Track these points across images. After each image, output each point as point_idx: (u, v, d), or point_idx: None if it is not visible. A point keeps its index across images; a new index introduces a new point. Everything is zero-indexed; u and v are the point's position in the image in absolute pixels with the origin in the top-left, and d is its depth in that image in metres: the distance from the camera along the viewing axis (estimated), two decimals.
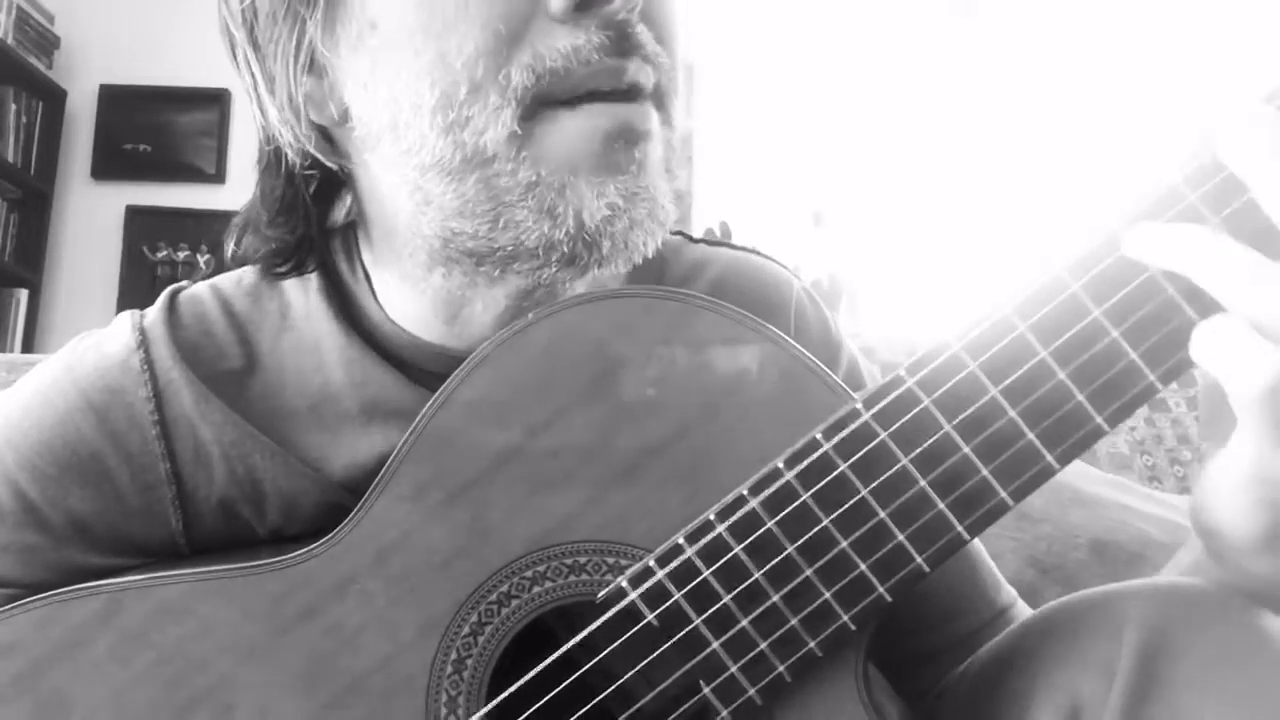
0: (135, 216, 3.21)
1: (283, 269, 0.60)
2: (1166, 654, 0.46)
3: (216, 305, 0.60)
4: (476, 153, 0.48)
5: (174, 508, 0.56)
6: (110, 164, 3.25)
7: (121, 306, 3.10)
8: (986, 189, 3.08)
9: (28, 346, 3.07)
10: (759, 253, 0.70)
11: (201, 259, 3.22)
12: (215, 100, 3.25)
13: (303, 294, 0.60)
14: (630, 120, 0.50)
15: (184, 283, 0.63)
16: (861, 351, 0.71)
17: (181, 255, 3.22)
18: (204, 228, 3.22)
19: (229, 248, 0.63)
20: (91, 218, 3.23)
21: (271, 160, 0.57)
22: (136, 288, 3.17)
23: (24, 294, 3.09)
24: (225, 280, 0.62)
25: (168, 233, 3.21)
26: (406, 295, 0.59)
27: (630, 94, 0.50)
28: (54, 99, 3.19)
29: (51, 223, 3.21)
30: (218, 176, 3.26)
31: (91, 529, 0.55)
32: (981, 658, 0.58)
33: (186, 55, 3.24)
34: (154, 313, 0.59)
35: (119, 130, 3.25)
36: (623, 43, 0.49)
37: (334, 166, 0.56)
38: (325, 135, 0.55)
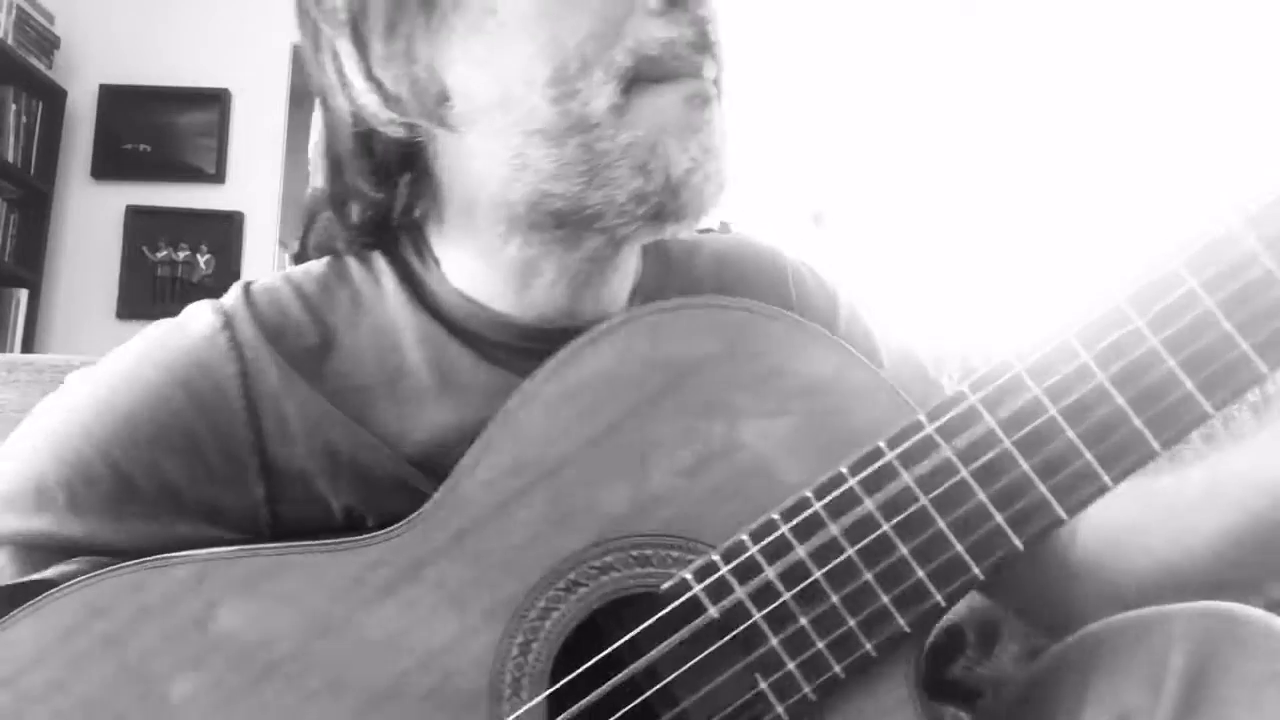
0: (135, 216, 3.21)
1: (368, 244, 0.65)
2: (1214, 672, 0.47)
3: (291, 290, 0.64)
4: (581, 119, 0.55)
5: (258, 478, 0.59)
6: (110, 164, 3.24)
7: (121, 306, 3.13)
8: (987, 189, 3.10)
9: (28, 346, 3.07)
10: (743, 238, 0.76)
11: (201, 259, 3.22)
12: (215, 100, 3.25)
13: (373, 282, 0.64)
14: (703, 89, 0.58)
15: (249, 279, 0.66)
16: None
17: (181, 255, 3.21)
18: (204, 228, 3.22)
19: (294, 245, 0.68)
20: (91, 218, 3.22)
21: (359, 144, 0.62)
22: (136, 288, 3.18)
23: (24, 294, 3.08)
24: (295, 271, 0.66)
25: (168, 233, 3.21)
26: (479, 269, 0.63)
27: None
28: (54, 99, 3.19)
29: (51, 223, 3.20)
30: (218, 176, 3.25)
31: (181, 497, 0.58)
32: (1030, 671, 0.60)
33: (186, 55, 3.25)
34: (232, 298, 0.63)
35: (119, 130, 3.24)
36: (703, 39, 0.57)
37: (426, 139, 0.61)
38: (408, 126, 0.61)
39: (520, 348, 0.61)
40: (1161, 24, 3.08)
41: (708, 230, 0.75)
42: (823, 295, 0.73)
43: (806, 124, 3.13)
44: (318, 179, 0.65)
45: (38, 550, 0.56)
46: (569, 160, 0.56)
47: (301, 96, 3.26)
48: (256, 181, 3.25)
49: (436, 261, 0.65)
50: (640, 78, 0.55)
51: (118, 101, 3.25)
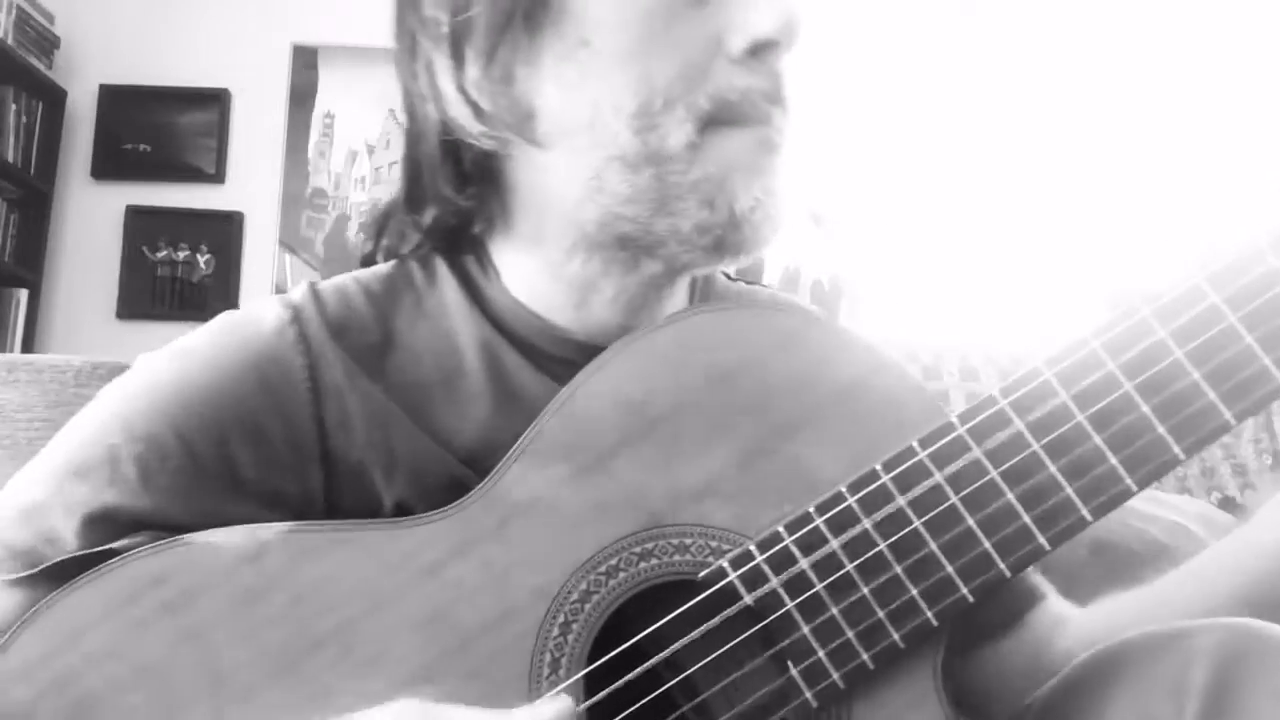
0: (135, 216, 3.21)
1: (439, 246, 0.68)
2: (1236, 685, 0.49)
3: (356, 290, 0.66)
4: (658, 152, 0.59)
5: (318, 467, 0.61)
6: (110, 164, 3.24)
7: (121, 306, 3.14)
8: (987, 189, 3.12)
9: (28, 346, 3.07)
10: (782, 294, 0.80)
11: (201, 259, 3.22)
12: (215, 100, 3.25)
13: (436, 288, 0.67)
14: (771, 136, 0.61)
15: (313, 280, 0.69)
16: None
17: (181, 255, 3.21)
18: (204, 228, 3.22)
19: (366, 250, 0.72)
20: (91, 218, 3.22)
21: (443, 151, 0.65)
22: (136, 288, 3.18)
23: (24, 294, 3.08)
24: (361, 273, 0.69)
25: (168, 233, 3.21)
26: (540, 282, 0.66)
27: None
28: (54, 99, 3.19)
29: (51, 223, 3.20)
30: (218, 176, 3.25)
31: (245, 480, 0.60)
32: (1051, 685, 0.61)
33: (186, 55, 3.25)
34: (300, 293, 0.65)
35: (119, 130, 3.24)
36: (776, 94, 0.61)
37: (508, 153, 0.64)
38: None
39: (573, 361, 0.63)
40: (1162, 23, 3.10)
41: (754, 283, 0.79)
42: None
43: (806, 124, 3.14)
44: (381, 187, 0.69)
45: (106, 522, 0.58)
46: (642, 188, 0.60)
47: (302, 96, 3.27)
48: (256, 181, 3.25)
49: (497, 272, 0.67)
50: (716, 120, 0.59)
51: (118, 101, 3.25)
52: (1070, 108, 3.12)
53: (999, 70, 3.14)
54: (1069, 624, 0.71)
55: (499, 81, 0.61)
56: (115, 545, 0.56)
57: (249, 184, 3.25)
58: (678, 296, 0.69)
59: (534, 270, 0.66)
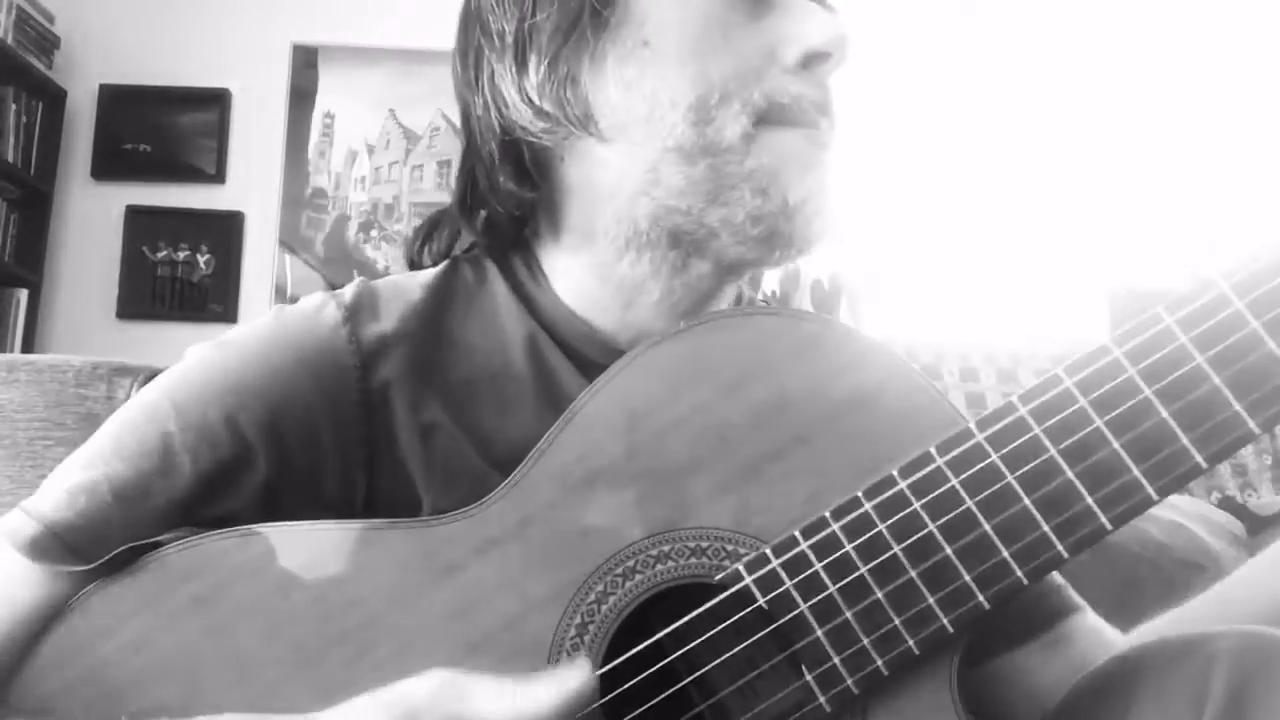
0: (135, 216, 3.21)
1: (492, 246, 0.71)
2: (1256, 691, 0.49)
3: (407, 290, 0.67)
4: (714, 144, 0.61)
5: (362, 469, 0.62)
6: (110, 164, 3.24)
7: (121, 306, 3.14)
8: (988, 188, 3.12)
9: (28, 346, 3.06)
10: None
11: (201, 259, 3.22)
12: (215, 100, 3.25)
13: (486, 288, 0.69)
14: (821, 140, 0.64)
15: (364, 278, 0.69)
16: None
17: (181, 255, 3.21)
18: (204, 228, 3.22)
19: (413, 252, 0.74)
20: (91, 218, 3.22)
21: (503, 150, 0.67)
22: (136, 288, 3.18)
23: (24, 294, 3.08)
24: (412, 274, 0.70)
25: (168, 233, 3.21)
26: (588, 284, 0.67)
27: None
28: (54, 99, 3.18)
29: (51, 223, 3.20)
30: (218, 176, 3.25)
31: (292, 475, 0.61)
32: (1069, 692, 0.61)
33: (186, 55, 3.25)
34: (352, 292, 0.66)
35: (119, 130, 3.24)
36: (825, 104, 0.64)
37: (562, 154, 0.66)
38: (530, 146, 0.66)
39: None
40: (1162, 22, 3.10)
41: (768, 303, 0.81)
42: None
43: None
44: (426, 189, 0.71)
45: (154, 509, 0.59)
46: (697, 179, 0.62)
47: (302, 96, 3.27)
48: (256, 181, 3.24)
49: (545, 276, 0.69)
50: (769, 119, 0.62)
51: (118, 101, 3.25)
52: (1071, 107, 3.12)
53: (999, 69, 3.14)
54: (1115, 646, 0.70)
55: (561, 82, 0.63)
56: (161, 539, 0.57)
57: (249, 184, 3.25)
58: (723, 305, 0.70)
59: (582, 273, 0.68)
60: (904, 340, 2.35)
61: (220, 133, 3.25)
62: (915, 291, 3.06)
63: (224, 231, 3.23)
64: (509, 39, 0.64)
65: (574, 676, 0.50)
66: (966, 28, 3.17)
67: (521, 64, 0.64)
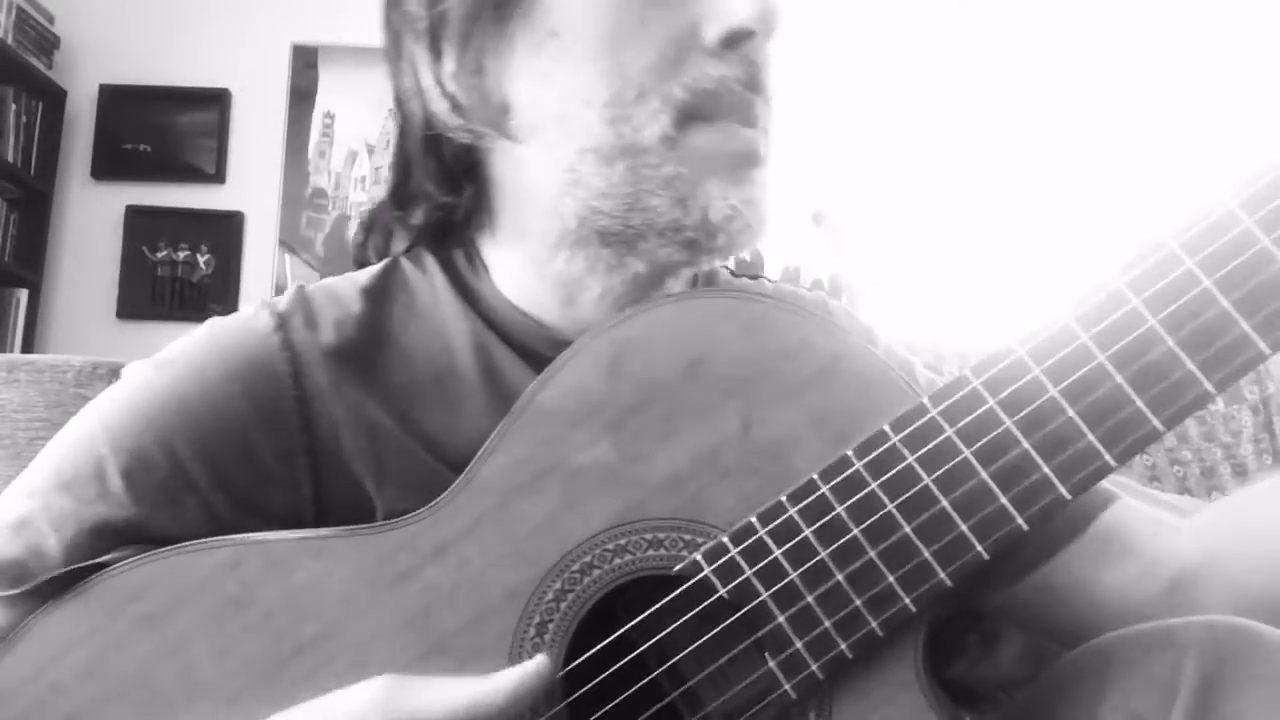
0: (135, 216, 3.21)
1: (428, 244, 0.68)
2: (1225, 681, 0.48)
3: (345, 293, 0.65)
4: (632, 144, 0.58)
5: (308, 477, 0.61)
6: (110, 164, 3.25)
7: (121, 306, 3.14)
8: (988, 187, 3.11)
9: (28, 346, 3.07)
10: (792, 286, 0.79)
11: (201, 259, 3.22)
12: (215, 100, 3.25)
13: (427, 286, 0.67)
14: (754, 145, 0.60)
15: (302, 283, 0.68)
16: None
17: (181, 255, 3.21)
18: (204, 228, 3.22)
19: (358, 248, 0.72)
20: (91, 218, 3.23)
21: (426, 146, 0.65)
22: (136, 288, 3.18)
23: (24, 294, 3.09)
24: (351, 275, 0.68)
25: (168, 233, 3.21)
26: (527, 279, 0.65)
27: (755, 125, 0.60)
28: (54, 99, 3.19)
29: (51, 223, 3.21)
30: (218, 176, 3.25)
31: (233, 490, 0.60)
32: (1042, 678, 0.61)
33: (186, 55, 3.26)
34: (286, 299, 0.64)
35: (119, 130, 3.25)
36: (755, 81, 0.59)
37: (488, 146, 0.64)
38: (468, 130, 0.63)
39: None
40: (1159, 17, 3.09)
41: (758, 277, 0.78)
42: (861, 334, 0.75)
43: (806, 124, 3.14)
44: (376, 187, 0.69)
45: (95, 535, 0.58)
46: (616, 181, 0.59)
47: (302, 96, 3.27)
48: (256, 181, 3.25)
49: (487, 269, 0.67)
50: (694, 115, 0.58)
51: (118, 101, 3.26)
52: (1072, 106, 3.11)
53: (1000, 68, 3.13)
54: (1166, 523, 0.67)
55: (474, 74, 0.60)
56: (104, 559, 0.56)
57: (249, 184, 3.25)
58: (676, 289, 0.67)
59: (520, 268, 0.66)
60: (904, 339, 2.34)
61: (220, 133, 3.25)
62: (915, 291, 3.05)
63: (224, 231, 3.23)
64: (422, 24, 0.61)
65: (528, 664, 0.50)
66: (967, 27, 3.16)
67: (436, 52, 0.61)
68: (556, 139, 0.60)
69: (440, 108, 0.62)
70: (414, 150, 0.65)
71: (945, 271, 3.10)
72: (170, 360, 0.62)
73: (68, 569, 0.55)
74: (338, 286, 0.66)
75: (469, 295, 0.66)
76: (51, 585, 0.55)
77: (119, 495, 0.58)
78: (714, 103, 0.58)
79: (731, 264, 0.77)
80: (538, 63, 0.59)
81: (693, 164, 0.58)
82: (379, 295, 0.66)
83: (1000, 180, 3.11)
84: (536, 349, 0.64)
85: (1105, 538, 0.65)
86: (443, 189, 0.65)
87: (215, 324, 0.64)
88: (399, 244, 0.70)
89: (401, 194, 0.68)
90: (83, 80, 3.26)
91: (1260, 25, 2.98)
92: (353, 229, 3.20)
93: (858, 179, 3.09)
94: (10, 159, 3.02)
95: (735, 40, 0.58)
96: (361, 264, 0.70)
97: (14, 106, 3.04)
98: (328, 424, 0.61)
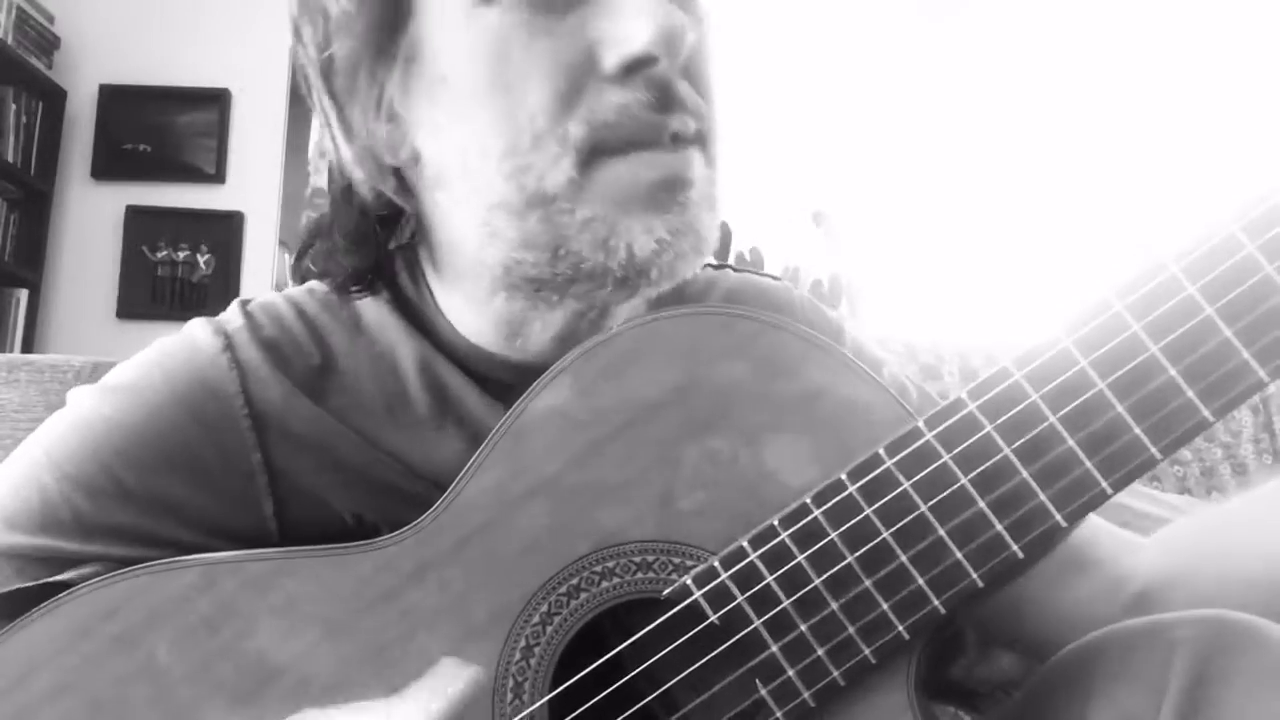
0: (135, 216, 3.21)
1: (356, 290, 0.64)
2: (1215, 677, 0.48)
3: (291, 310, 0.64)
4: (538, 194, 0.54)
5: (266, 494, 0.59)
6: (110, 164, 3.24)
7: (121, 306, 3.14)
8: (989, 188, 3.10)
9: (28, 346, 3.07)
10: (757, 273, 0.76)
11: (201, 259, 3.22)
12: (215, 100, 3.25)
13: (373, 306, 0.64)
14: (675, 170, 0.55)
15: (247, 297, 0.66)
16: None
17: (181, 255, 3.21)
18: (204, 228, 3.22)
19: (294, 263, 0.67)
20: (91, 218, 3.22)
21: (343, 195, 0.62)
22: (136, 288, 3.18)
23: (24, 294, 3.08)
24: (296, 291, 0.66)
25: (168, 233, 3.21)
26: (470, 313, 0.63)
27: (674, 143, 0.55)
28: (54, 99, 3.19)
29: (51, 223, 3.20)
30: (218, 176, 3.25)
31: (186, 511, 0.59)
32: (1032, 678, 0.61)
33: (186, 55, 3.25)
34: (231, 316, 0.63)
35: (119, 130, 3.24)
36: (665, 99, 0.54)
37: (404, 206, 0.61)
38: (396, 174, 0.60)
39: (514, 385, 0.59)
40: (1158, 17, 3.08)
41: (723, 266, 0.75)
42: (828, 331, 0.73)
43: (806, 124, 3.13)
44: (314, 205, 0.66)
45: (44, 564, 0.57)
46: (534, 232, 0.55)
47: (302, 96, 3.25)
48: (256, 181, 3.25)
49: (432, 294, 0.64)
50: (601, 149, 0.53)
51: (118, 101, 3.25)
52: (1072, 106, 3.10)
53: (1000, 69, 3.12)
54: (1137, 546, 0.67)
55: (387, 121, 0.57)
56: (63, 577, 0.55)
57: (249, 184, 3.25)
58: (625, 316, 0.63)
59: (462, 305, 0.63)
60: (904, 340, 2.34)
61: (220, 133, 3.25)
62: (915, 291, 3.04)
63: (224, 231, 3.23)
64: (316, 70, 0.58)
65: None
66: (967, 27, 3.15)
67: (333, 94, 0.58)
68: (464, 194, 0.56)
69: (346, 156, 0.58)
70: (336, 194, 0.62)
71: (945, 271, 3.09)
72: (115, 385, 0.61)
73: (28, 584, 0.54)
74: (278, 305, 0.64)
75: (415, 318, 0.64)
76: (12, 604, 0.54)
77: (66, 524, 0.57)
78: (618, 133, 0.53)
79: (732, 260, 0.74)
80: (433, 112, 0.55)
81: (607, 203, 0.54)
82: (321, 313, 0.64)
83: (1000, 180, 3.10)
84: (488, 372, 0.63)
85: (1070, 555, 0.65)
86: (355, 244, 0.62)
87: (161, 345, 0.62)
88: (338, 271, 0.65)
89: (329, 229, 0.64)
90: (83, 80, 3.26)
91: (1260, 25, 2.97)
92: None
93: (857, 179, 3.08)
94: (10, 159, 3.01)
95: (636, 68, 0.53)
96: (303, 278, 0.67)
97: (14, 106, 3.03)
98: (284, 439, 0.60)
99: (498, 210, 0.55)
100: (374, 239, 0.63)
